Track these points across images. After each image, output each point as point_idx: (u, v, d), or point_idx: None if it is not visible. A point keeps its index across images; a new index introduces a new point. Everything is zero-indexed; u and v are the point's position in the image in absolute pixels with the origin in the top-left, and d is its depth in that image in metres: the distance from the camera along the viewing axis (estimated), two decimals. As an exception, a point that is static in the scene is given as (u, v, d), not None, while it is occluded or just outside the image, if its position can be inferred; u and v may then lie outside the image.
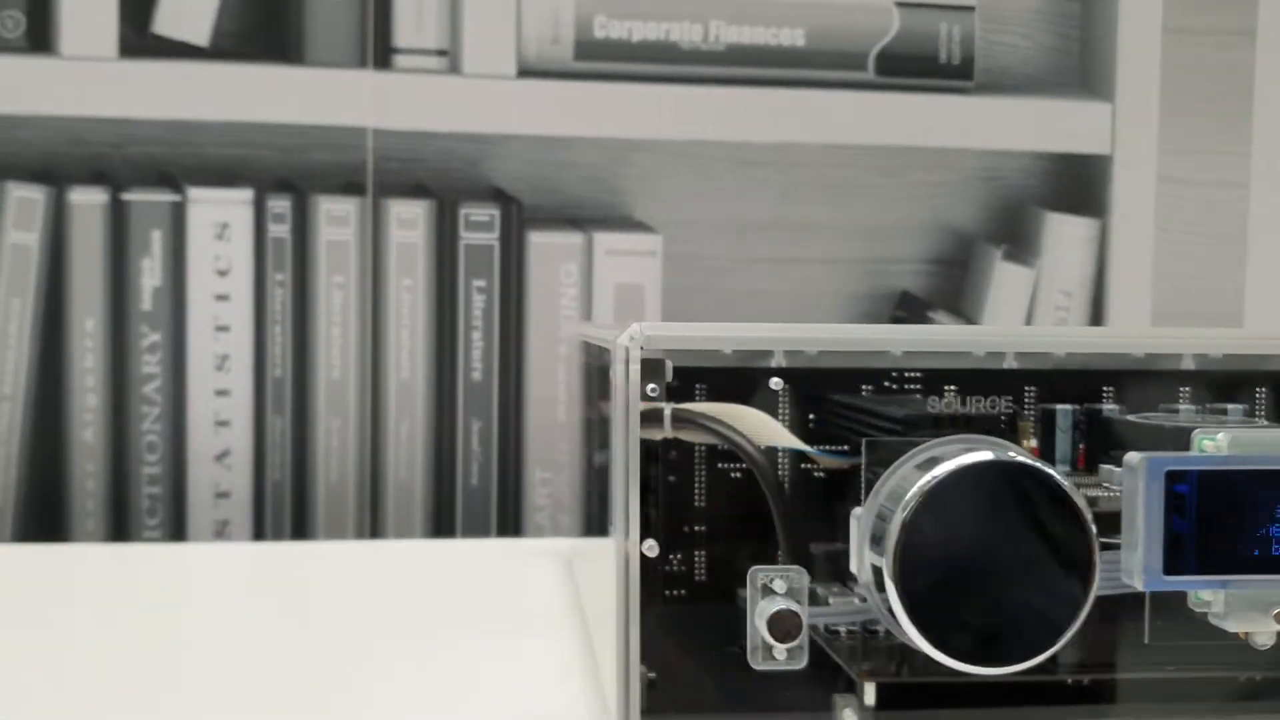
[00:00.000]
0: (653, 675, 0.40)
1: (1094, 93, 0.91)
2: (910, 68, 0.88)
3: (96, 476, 0.83)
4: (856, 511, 0.39)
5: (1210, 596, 0.38)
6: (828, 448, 0.45)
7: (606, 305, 0.86)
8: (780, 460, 0.46)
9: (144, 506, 0.84)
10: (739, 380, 0.45)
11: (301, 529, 0.85)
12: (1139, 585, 0.37)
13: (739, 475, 0.48)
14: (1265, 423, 0.45)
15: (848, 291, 0.90)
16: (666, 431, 0.42)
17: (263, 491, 0.85)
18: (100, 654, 0.54)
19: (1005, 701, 0.40)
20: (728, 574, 0.47)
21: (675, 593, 0.49)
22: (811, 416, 0.46)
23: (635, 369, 0.40)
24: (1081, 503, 0.37)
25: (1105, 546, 0.37)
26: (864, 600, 0.42)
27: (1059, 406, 0.44)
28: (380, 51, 0.85)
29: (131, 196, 0.83)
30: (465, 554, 0.79)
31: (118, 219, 0.83)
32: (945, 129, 0.89)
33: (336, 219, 0.84)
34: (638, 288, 0.87)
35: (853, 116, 0.88)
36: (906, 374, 0.46)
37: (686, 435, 0.44)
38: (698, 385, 0.45)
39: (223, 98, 0.83)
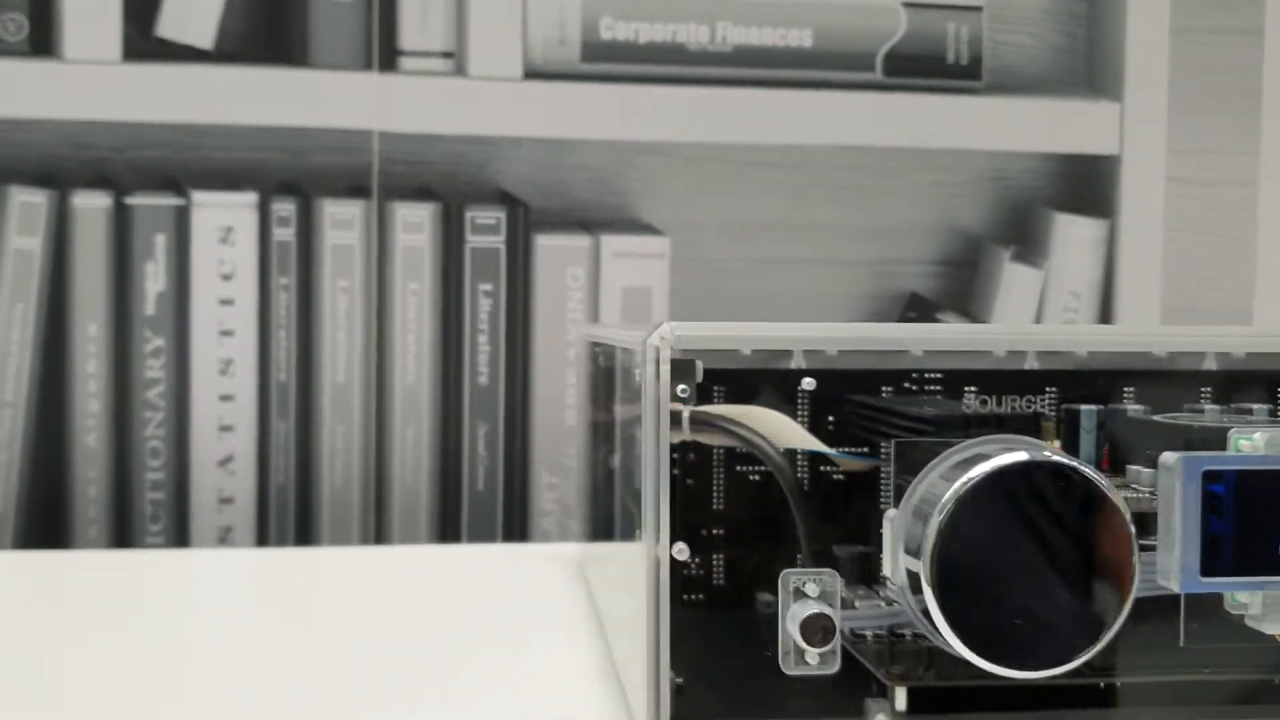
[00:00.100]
0: (680, 680, 0.39)
1: (1102, 93, 0.90)
2: (918, 68, 0.88)
3: (99, 482, 0.83)
4: (890, 513, 0.39)
5: (1248, 598, 0.37)
6: (849, 449, 0.45)
7: (614, 308, 0.86)
8: (799, 462, 0.46)
9: (147, 512, 0.83)
10: (763, 381, 0.44)
11: (306, 535, 0.84)
12: (1176, 587, 0.36)
13: (757, 478, 0.47)
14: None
15: (856, 293, 0.90)
16: (685, 434, 0.42)
17: (267, 497, 0.84)
18: (102, 662, 0.53)
19: (1036, 705, 0.40)
20: (746, 577, 0.47)
21: (694, 597, 0.48)
22: (831, 418, 0.46)
23: (666, 370, 0.39)
24: (1122, 504, 0.36)
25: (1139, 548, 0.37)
26: (889, 604, 0.41)
27: (1083, 407, 0.44)
28: (385, 54, 0.84)
29: (135, 200, 0.82)
30: (473, 559, 0.78)
31: (121, 223, 0.82)
32: (953, 130, 0.88)
33: (341, 222, 0.84)
34: (645, 290, 0.86)
35: (860, 117, 0.88)
36: (927, 374, 0.45)
37: (705, 438, 0.43)
38: (716, 387, 0.45)
39: (227, 101, 0.83)
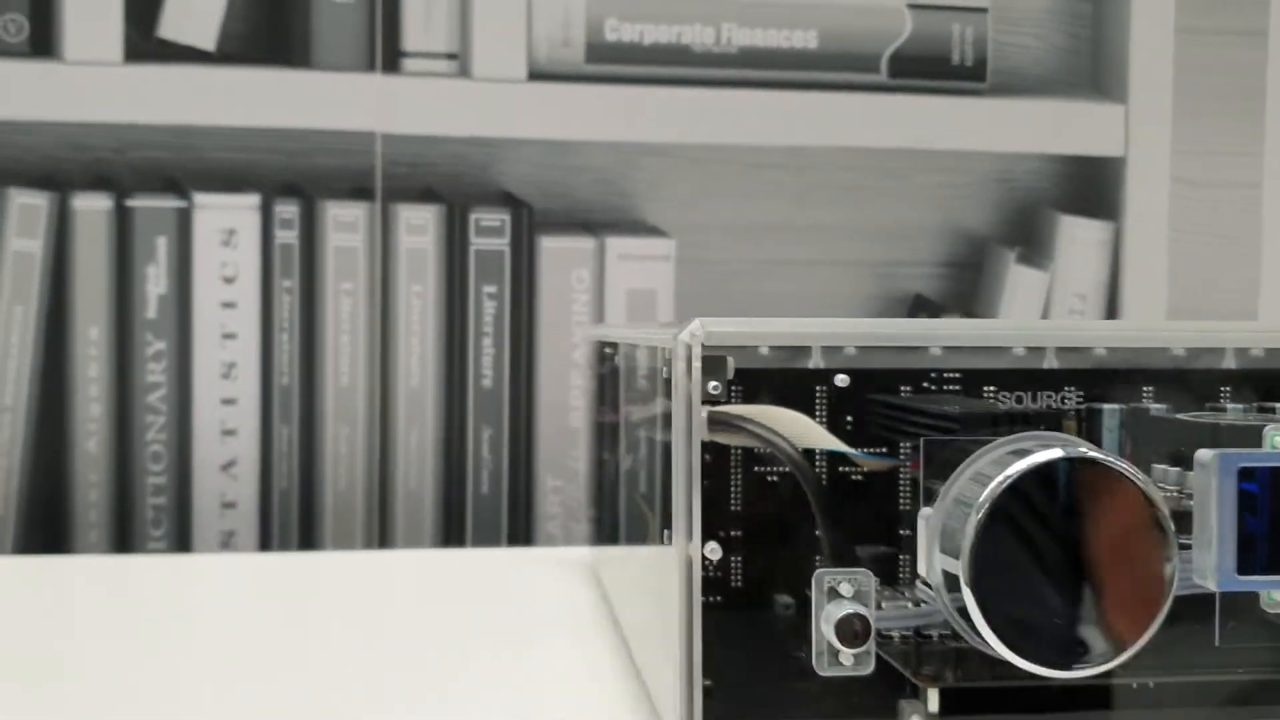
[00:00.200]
0: (709, 683, 0.39)
1: (1106, 94, 0.90)
2: (923, 70, 0.88)
3: (100, 487, 0.82)
4: (924, 512, 0.39)
5: (1284, 597, 0.37)
6: (870, 450, 0.44)
7: (619, 310, 0.86)
8: (818, 462, 0.45)
9: (148, 517, 0.82)
10: (793, 380, 0.44)
11: (309, 539, 0.84)
12: (1212, 586, 0.36)
13: (776, 478, 0.47)
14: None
15: (861, 294, 0.90)
16: (704, 434, 0.41)
17: (269, 501, 0.84)
18: (104, 667, 0.52)
19: (1069, 706, 0.39)
20: (764, 579, 0.46)
21: (713, 599, 0.48)
22: (850, 418, 0.45)
23: (698, 366, 0.39)
24: (1161, 501, 0.36)
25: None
26: (916, 604, 0.41)
27: (1105, 406, 0.44)
28: (388, 55, 0.84)
29: (136, 203, 0.82)
30: (478, 563, 0.78)
31: (122, 225, 0.82)
32: (958, 131, 0.88)
33: (345, 224, 0.83)
34: (650, 292, 0.86)
35: (865, 119, 0.87)
36: (946, 373, 0.45)
37: (724, 438, 0.42)
38: (734, 386, 0.44)
39: (229, 102, 0.82)
